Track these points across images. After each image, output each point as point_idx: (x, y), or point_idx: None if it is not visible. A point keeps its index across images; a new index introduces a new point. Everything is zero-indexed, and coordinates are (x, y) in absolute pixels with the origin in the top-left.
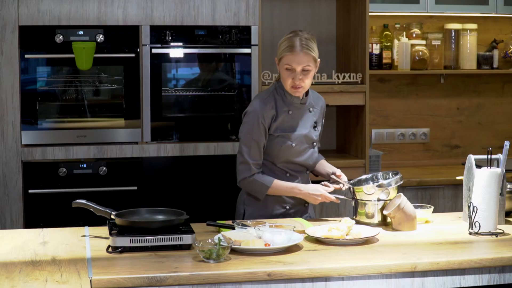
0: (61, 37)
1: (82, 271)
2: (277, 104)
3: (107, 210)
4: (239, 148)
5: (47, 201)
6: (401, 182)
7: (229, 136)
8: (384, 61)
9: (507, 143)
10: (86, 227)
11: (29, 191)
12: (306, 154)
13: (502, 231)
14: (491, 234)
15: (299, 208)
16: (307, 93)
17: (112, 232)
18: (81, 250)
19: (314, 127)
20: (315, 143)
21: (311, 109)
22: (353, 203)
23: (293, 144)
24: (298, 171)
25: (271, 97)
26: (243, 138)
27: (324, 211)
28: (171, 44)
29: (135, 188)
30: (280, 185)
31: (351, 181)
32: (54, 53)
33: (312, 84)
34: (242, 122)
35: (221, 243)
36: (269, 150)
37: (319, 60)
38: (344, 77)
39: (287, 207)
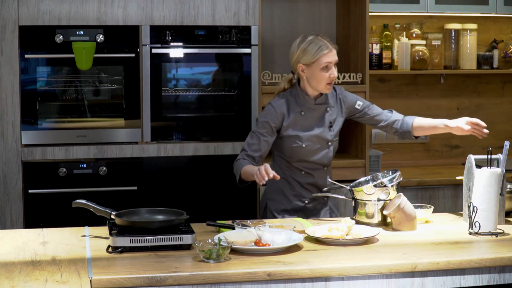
0: (61, 37)
1: (82, 271)
2: (289, 106)
3: (107, 210)
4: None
5: (47, 201)
6: (401, 179)
7: (229, 136)
8: (384, 61)
9: (507, 143)
10: (86, 227)
11: (29, 191)
12: (320, 154)
13: (502, 231)
14: (491, 234)
15: (318, 201)
16: (322, 93)
17: (112, 232)
18: (81, 250)
19: (330, 126)
20: (330, 143)
21: (328, 108)
22: (353, 203)
23: (304, 145)
24: (313, 169)
25: (284, 99)
26: (251, 132)
27: None
28: (171, 44)
29: (135, 188)
30: (244, 170)
31: (351, 183)
32: (54, 53)
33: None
34: None
35: (221, 243)
36: (282, 150)
37: None
38: (344, 77)
39: (306, 201)
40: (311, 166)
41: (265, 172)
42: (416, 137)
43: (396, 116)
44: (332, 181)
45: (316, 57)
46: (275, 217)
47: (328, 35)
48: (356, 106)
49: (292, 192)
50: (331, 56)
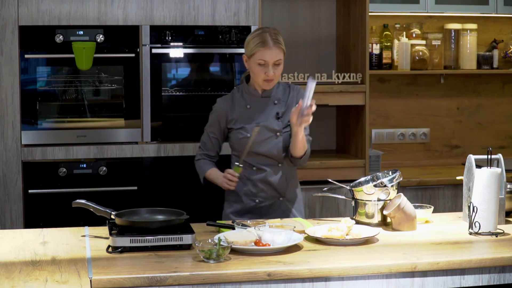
0: (61, 37)
1: (82, 271)
2: (234, 101)
3: (107, 210)
4: None
5: (47, 201)
6: (401, 179)
7: None
8: (384, 61)
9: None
10: (86, 227)
11: (29, 191)
12: (268, 145)
13: (502, 231)
14: (491, 234)
15: (272, 201)
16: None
17: (112, 232)
18: (81, 250)
19: (278, 118)
20: (278, 133)
21: (275, 101)
22: (353, 203)
23: (249, 135)
24: (266, 164)
25: (230, 96)
26: (204, 129)
27: (324, 211)
28: (171, 44)
29: (135, 188)
30: (210, 174)
31: (351, 183)
32: (54, 53)
33: None
34: None
35: (221, 243)
36: (232, 144)
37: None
38: (344, 77)
39: (257, 200)
40: (262, 161)
41: (231, 176)
42: (294, 157)
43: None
44: (332, 181)
45: (253, 51)
46: (230, 219)
47: (328, 35)
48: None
49: (244, 191)
50: (267, 55)
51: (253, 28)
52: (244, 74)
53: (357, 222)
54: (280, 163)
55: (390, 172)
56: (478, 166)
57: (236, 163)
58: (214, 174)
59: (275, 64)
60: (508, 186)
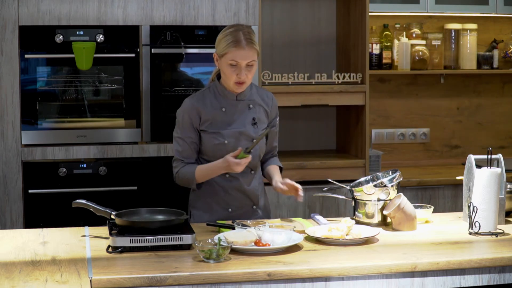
0: (61, 37)
1: (82, 271)
2: (207, 102)
3: (107, 210)
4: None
5: (47, 201)
6: (401, 179)
7: None
8: (384, 61)
9: None
10: (86, 227)
11: (29, 191)
12: None
13: (502, 231)
14: (491, 234)
15: (245, 210)
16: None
17: (112, 232)
18: (81, 250)
19: (254, 123)
20: (255, 141)
21: (251, 105)
22: (353, 203)
23: (226, 141)
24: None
25: (200, 96)
26: (174, 137)
27: (324, 211)
28: (171, 44)
29: (135, 188)
30: (202, 169)
31: (351, 183)
32: (54, 53)
33: (312, 84)
34: None
35: (221, 243)
36: (204, 149)
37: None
38: (344, 77)
39: (230, 209)
40: None
41: (239, 160)
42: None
43: (270, 158)
44: (332, 181)
45: (225, 51)
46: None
47: (328, 35)
48: (276, 119)
49: (215, 199)
50: (240, 55)
51: (253, 28)
52: (214, 71)
53: (357, 222)
54: (253, 170)
55: (390, 172)
56: (478, 166)
57: (244, 151)
58: (208, 165)
59: (247, 65)
60: (508, 186)
